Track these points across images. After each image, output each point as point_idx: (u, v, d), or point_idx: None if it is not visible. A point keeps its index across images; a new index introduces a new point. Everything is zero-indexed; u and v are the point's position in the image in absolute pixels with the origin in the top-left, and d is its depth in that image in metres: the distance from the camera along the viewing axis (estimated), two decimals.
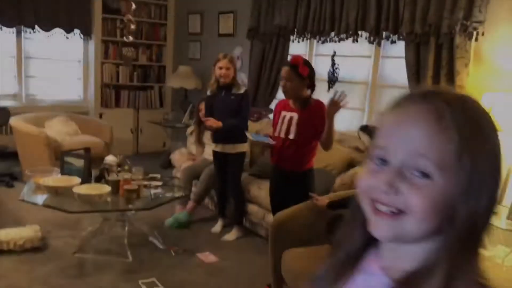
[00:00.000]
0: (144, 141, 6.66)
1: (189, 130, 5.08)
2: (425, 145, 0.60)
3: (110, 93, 6.36)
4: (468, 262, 0.60)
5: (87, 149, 3.70)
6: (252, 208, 3.92)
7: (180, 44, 6.66)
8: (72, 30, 5.95)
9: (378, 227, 0.65)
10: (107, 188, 3.20)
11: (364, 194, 0.67)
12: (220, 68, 3.67)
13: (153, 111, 6.58)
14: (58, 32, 5.84)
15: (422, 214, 0.60)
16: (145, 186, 3.48)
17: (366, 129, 3.84)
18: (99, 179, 3.50)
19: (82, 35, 6.07)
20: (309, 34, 4.53)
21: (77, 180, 3.31)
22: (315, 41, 4.63)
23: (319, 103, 3.01)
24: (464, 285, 0.58)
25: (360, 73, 4.39)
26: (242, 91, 3.74)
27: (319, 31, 4.39)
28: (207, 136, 4.37)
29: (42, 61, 5.97)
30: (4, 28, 5.47)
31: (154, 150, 6.58)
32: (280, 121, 3.05)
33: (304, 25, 4.52)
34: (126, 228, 3.47)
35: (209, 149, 4.36)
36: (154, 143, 6.67)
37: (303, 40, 4.66)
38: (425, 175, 0.60)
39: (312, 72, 3.04)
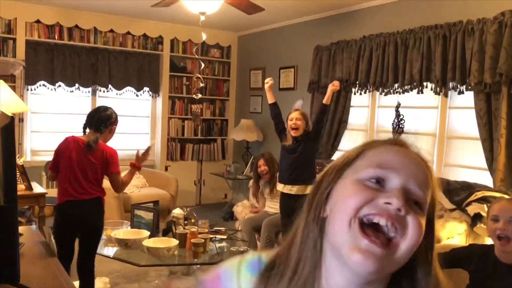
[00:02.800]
0: (207, 193, 6.78)
1: (251, 182, 5.12)
2: (424, 182, 0.66)
3: (176, 146, 6.60)
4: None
5: (155, 202, 3.82)
6: None
7: (242, 98, 6.87)
8: (142, 89, 6.32)
9: (366, 257, 0.60)
10: (175, 242, 3.25)
11: (353, 211, 0.63)
12: (291, 119, 3.75)
13: (215, 163, 6.73)
14: (128, 90, 6.23)
15: (414, 245, 0.63)
16: (211, 239, 3.50)
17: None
18: (166, 232, 3.58)
19: (150, 93, 6.44)
20: (371, 86, 4.53)
21: (146, 233, 3.40)
22: (377, 93, 4.62)
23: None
24: None
25: (426, 124, 4.29)
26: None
27: (381, 83, 4.38)
28: (266, 191, 4.41)
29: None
30: (81, 88, 5.91)
31: (216, 201, 6.67)
32: None
33: (366, 78, 4.54)
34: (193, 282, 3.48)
35: (269, 202, 4.39)
36: (216, 194, 6.77)
37: (365, 92, 4.66)
38: (420, 206, 0.65)
39: None
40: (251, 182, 5.16)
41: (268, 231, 4.09)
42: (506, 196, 3.06)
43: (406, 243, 0.62)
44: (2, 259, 1.36)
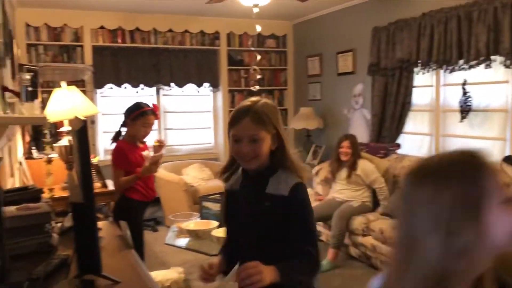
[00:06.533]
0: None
1: (315, 169, 5.11)
2: None
3: None
4: None
5: (222, 193, 3.92)
6: (387, 249, 3.76)
7: (300, 87, 6.85)
8: (202, 84, 6.48)
9: None
10: None
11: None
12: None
13: None
14: (190, 87, 6.42)
15: None
16: None
17: (510, 160, 3.51)
18: None
19: (211, 88, 6.59)
20: (434, 65, 4.35)
21: (215, 223, 3.51)
22: (441, 71, 4.43)
23: None
24: None
25: (496, 100, 4.06)
26: None
27: (445, 61, 4.20)
28: (342, 175, 4.35)
29: (177, 114, 6.59)
30: (145, 87, 6.16)
31: None
32: None
33: (428, 56, 4.36)
34: None
35: (340, 187, 4.33)
36: None
37: (428, 71, 4.48)
38: None
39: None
40: (314, 169, 5.15)
41: (341, 223, 4.06)
42: None
43: None
44: (85, 252, 1.47)
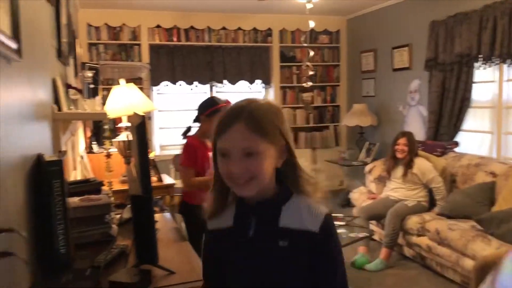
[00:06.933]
0: (321, 180, 6.77)
1: (369, 167, 5.02)
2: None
3: None
4: None
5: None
6: (443, 250, 3.63)
7: (353, 83, 6.74)
8: (254, 81, 6.53)
9: None
10: None
11: None
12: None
13: (329, 150, 6.70)
14: (242, 83, 6.48)
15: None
16: None
17: None
18: None
19: (263, 84, 6.62)
20: (497, 59, 4.13)
21: None
22: (505, 66, 4.21)
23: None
24: None
25: None
26: None
27: (509, 55, 3.98)
28: (397, 173, 4.25)
29: None
30: (199, 85, 6.29)
31: (332, 188, 6.65)
32: None
33: (490, 50, 4.16)
34: None
35: (395, 186, 4.23)
36: (331, 181, 6.74)
37: (489, 66, 4.27)
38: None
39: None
40: (367, 167, 5.05)
41: (394, 222, 3.97)
42: None
43: None
44: (143, 243, 1.53)
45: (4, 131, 1.11)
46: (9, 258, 0.94)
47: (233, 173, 1.04)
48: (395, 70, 5.74)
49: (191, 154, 2.80)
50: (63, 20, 2.72)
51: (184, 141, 2.88)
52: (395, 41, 5.71)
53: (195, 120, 2.90)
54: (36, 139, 1.64)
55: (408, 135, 4.24)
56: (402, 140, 4.19)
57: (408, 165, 4.13)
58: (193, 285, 1.45)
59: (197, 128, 2.90)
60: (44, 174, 1.44)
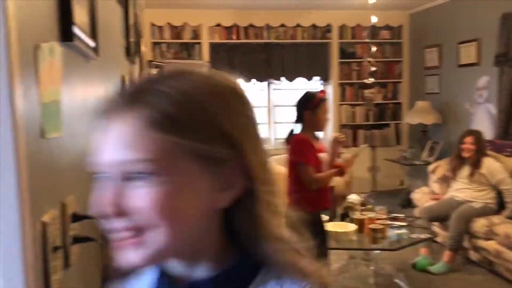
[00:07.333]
0: (381, 180, 6.62)
1: (432, 167, 4.84)
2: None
3: (347, 133, 6.60)
4: None
5: (331, 188, 3.90)
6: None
7: (416, 79, 6.52)
8: (312, 78, 6.48)
9: None
10: (353, 227, 3.29)
11: None
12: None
13: (389, 149, 6.53)
14: (300, 80, 6.45)
15: None
16: (389, 225, 3.44)
17: None
18: (344, 217, 3.64)
19: (321, 81, 6.56)
20: None
21: (325, 217, 3.50)
22: None
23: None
24: None
25: None
26: None
27: None
28: (463, 173, 4.07)
29: (287, 108, 6.67)
30: (257, 82, 6.34)
31: (391, 188, 6.48)
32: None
33: None
34: (371, 268, 3.48)
35: (461, 186, 4.06)
36: (391, 181, 6.57)
37: None
38: None
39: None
40: (430, 167, 4.88)
41: (459, 224, 3.81)
42: None
43: None
44: None
45: (82, 126, 1.18)
46: (89, 243, 1.00)
47: (103, 210, 0.53)
48: (461, 66, 5.49)
49: (308, 150, 2.66)
50: (131, 20, 2.83)
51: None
52: (461, 36, 5.46)
53: (297, 120, 2.78)
54: None
55: (476, 134, 4.06)
56: (469, 139, 4.01)
57: (475, 164, 3.95)
58: None
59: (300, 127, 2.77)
60: None
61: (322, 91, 2.85)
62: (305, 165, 2.63)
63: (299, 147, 2.68)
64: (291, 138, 2.77)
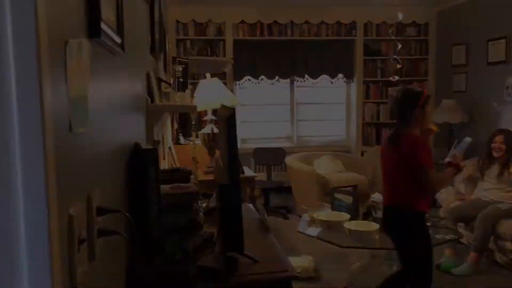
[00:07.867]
0: None
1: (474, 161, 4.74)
2: None
3: (371, 132, 6.53)
4: None
5: (354, 186, 3.87)
6: None
7: (442, 77, 6.40)
8: (336, 75, 6.43)
9: None
10: (375, 226, 3.25)
11: None
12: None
13: None
14: (323, 78, 6.41)
15: None
16: None
17: None
18: (366, 216, 3.60)
19: (345, 79, 6.50)
20: None
21: (347, 216, 3.48)
22: None
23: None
24: None
25: None
26: None
27: None
28: (492, 173, 3.99)
29: (310, 106, 6.64)
30: (280, 80, 6.32)
31: None
32: None
33: None
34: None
35: (490, 186, 3.97)
36: None
37: None
38: None
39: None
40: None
41: (485, 225, 3.74)
42: None
43: None
44: (229, 231, 1.58)
45: (110, 121, 1.20)
46: (113, 237, 1.01)
47: None
48: (490, 63, 5.36)
49: (427, 152, 2.58)
50: (156, 17, 2.86)
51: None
52: (490, 33, 5.34)
53: (403, 121, 2.65)
54: (134, 130, 1.75)
55: (506, 133, 3.97)
56: (499, 138, 3.93)
57: (506, 164, 3.86)
58: (278, 275, 1.47)
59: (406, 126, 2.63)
60: (141, 162, 1.54)
61: (422, 87, 2.78)
62: (428, 169, 2.52)
63: (420, 150, 2.54)
64: (401, 138, 2.64)
